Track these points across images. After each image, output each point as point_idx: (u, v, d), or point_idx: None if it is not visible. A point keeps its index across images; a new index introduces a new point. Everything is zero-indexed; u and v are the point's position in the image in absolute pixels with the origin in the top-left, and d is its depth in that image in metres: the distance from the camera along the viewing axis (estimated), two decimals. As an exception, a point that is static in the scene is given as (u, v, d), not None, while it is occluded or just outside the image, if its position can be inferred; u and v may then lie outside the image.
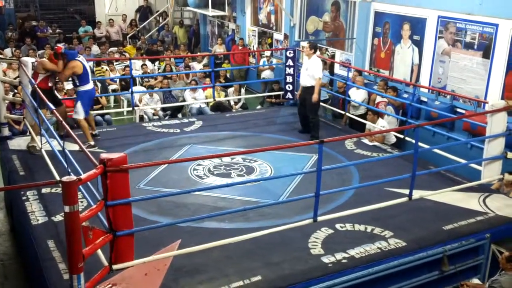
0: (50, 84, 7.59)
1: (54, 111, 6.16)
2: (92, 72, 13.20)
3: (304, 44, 10.08)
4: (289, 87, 10.15)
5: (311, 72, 8.25)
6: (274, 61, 12.98)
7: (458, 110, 8.55)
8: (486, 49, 8.02)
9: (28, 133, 8.30)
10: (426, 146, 6.83)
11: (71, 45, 15.02)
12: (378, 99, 9.32)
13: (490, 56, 7.96)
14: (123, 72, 12.83)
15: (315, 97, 8.22)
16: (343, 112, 9.41)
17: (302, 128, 8.74)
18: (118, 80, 12.68)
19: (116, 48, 15.50)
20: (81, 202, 4.61)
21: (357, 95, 9.56)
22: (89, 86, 7.72)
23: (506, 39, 7.69)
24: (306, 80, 8.38)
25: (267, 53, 13.30)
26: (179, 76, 12.59)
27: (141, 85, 12.78)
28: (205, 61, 14.13)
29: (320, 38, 11.95)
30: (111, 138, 8.26)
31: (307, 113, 8.45)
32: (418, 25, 9.24)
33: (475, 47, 8.21)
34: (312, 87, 8.27)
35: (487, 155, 6.29)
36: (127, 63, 12.35)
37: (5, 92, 8.51)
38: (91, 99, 7.90)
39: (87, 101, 7.74)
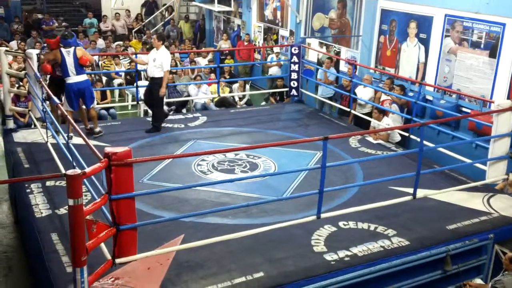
0: (57, 73, 7.57)
1: (59, 105, 6.17)
2: (98, 65, 13.25)
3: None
4: (294, 83, 10.12)
5: (159, 63, 8.11)
6: (282, 58, 12.94)
7: (464, 109, 8.52)
8: (493, 49, 7.98)
9: (33, 126, 8.32)
10: (431, 145, 6.82)
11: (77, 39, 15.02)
12: (383, 97, 9.30)
13: (497, 56, 7.93)
14: (129, 66, 12.83)
15: (162, 91, 8.16)
16: (348, 110, 9.38)
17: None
18: (123, 74, 12.68)
19: (121, 42, 15.51)
20: (85, 195, 4.61)
21: (364, 93, 9.53)
22: (69, 80, 7.44)
23: (513, 38, 7.66)
24: (152, 70, 8.21)
25: (276, 49, 13.26)
26: (184, 71, 12.59)
27: (146, 79, 12.76)
28: (210, 56, 14.12)
29: (326, 35, 11.92)
30: (115, 132, 8.26)
31: (154, 104, 8.42)
32: (424, 23, 9.20)
33: (482, 46, 8.18)
34: (159, 78, 8.16)
35: (492, 155, 6.26)
36: (133, 57, 12.33)
37: (11, 85, 8.53)
38: (72, 92, 7.49)
39: (67, 94, 7.51)
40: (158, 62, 8.11)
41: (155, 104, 8.40)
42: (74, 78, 7.46)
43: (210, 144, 7.85)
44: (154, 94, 8.24)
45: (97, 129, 7.88)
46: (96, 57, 13.25)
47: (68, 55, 7.37)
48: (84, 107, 7.88)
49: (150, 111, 8.62)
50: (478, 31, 8.21)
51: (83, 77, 7.56)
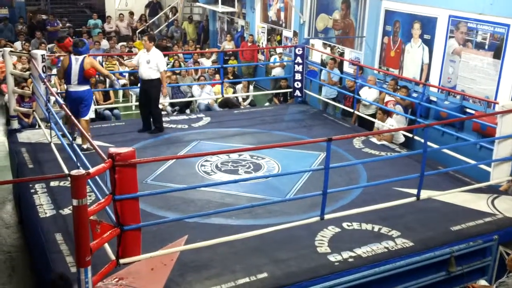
0: None
1: (63, 105, 6.19)
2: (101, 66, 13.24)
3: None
4: (297, 84, 10.13)
5: (154, 64, 7.98)
6: (286, 58, 12.94)
7: (468, 110, 8.51)
8: (497, 50, 7.97)
9: (37, 126, 8.34)
10: (435, 146, 6.80)
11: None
12: (387, 98, 9.29)
13: (501, 57, 7.91)
14: (132, 67, 12.83)
15: (164, 91, 8.16)
16: (352, 111, 9.37)
17: (143, 126, 8.37)
18: (127, 75, 12.70)
19: (125, 43, 15.54)
20: (89, 196, 4.62)
21: (368, 94, 9.52)
22: (70, 87, 7.19)
23: (518, 39, 7.64)
24: (146, 72, 8.02)
25: (279, 50, 13.26)
26: (187, 72, 12.61)
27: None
28: (213, 57, 14.13)
29: (329, 36, 11.92)
30: (119, 133, 8.28)
31: (151, 106, 8.24)
32: (428, 24, 9.19)
33: (486, 47, 8.16)
34: (156, 80, 8.05)
35: (497, 156, 6.24)
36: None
37: (22, 87, 8.53)
38: (69, 100, 7.15)
39: (66, 101, 7.17)
40: (153, 63, 7.97)
41: (153, 105, 8.25)
42: (74, 87, 7.16)
43: (214, 144, 7.86)
44: (152, 95, 8.12)
45: (85, 146, 7.11)
46: (99, 58, 13.28)
47: (76, 62, 7.09)
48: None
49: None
50: (483, 32, 8.19)
51: (84, 87, 7.21)
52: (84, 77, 7.15)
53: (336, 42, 11.86)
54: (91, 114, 7.46)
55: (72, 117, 5.85)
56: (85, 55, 7.18)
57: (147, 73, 8.05)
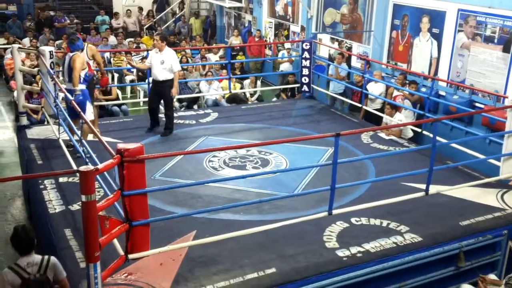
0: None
1: (73, 101, 6.21)
2: (109, 62, 13.31)
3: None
4: (305, 79, 10.10)
5: (168, 65, 7.81)
6: (294, 53, 12.89)
7: (477, 104, 8.44)
8: (507, 43, 7.89)
9: (45, 122, 8.38)
10: (443, 141, 6.77)
11: (88, 35, 15.16)
12: (395, 92, 9.24)
13: (511, 50, 7.84)
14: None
15: (174, 91, 7.98)
16: (360, 105, 9.34)
17: (151, 125, 8.27)
18: (135, 70, 12.72)
19: (133, 39, 15.56)
20: (98, 191, 4.64)
21: (374, 88, 9.48)
22: (65, 85, 7.08)
23: (528, 33, 7.57)
24: (161, 73, 7.85)
25: (287, 45, 13.22)
26: (195, 68, 12.61)
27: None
28: (221, 52, 14.11)
29: (337, 31, 11.87)
30: (127, 129, 8.30)
31: (165, 107, 8.09)
32: (437, 18, 9.12)
33: (495, 41, 8.09)
34: (168, 81, 7.88)
35: (506, 150, 6.21)
36: (144, 54, 12.38)
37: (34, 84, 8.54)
38: (67, 99, 6.74)
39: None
40: (167, 64, 7.81)
41: (167, 106, 8.10)
42: (68, 85, 7.06)
43: (222, 140, 7.86)
44: (167, 96, 7.99)
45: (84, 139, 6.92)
46: (107, 54, 13.34)
47: (68, 59, 7.07)
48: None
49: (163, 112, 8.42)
50: (492, 25, 8.12)
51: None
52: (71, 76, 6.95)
53: (344, 36, 11.81)
54: (89, 116, 7.01)
55: (82, 114, 5.87)
56: (75, 52, 7.02)
57: (161, 74, 7.87)
